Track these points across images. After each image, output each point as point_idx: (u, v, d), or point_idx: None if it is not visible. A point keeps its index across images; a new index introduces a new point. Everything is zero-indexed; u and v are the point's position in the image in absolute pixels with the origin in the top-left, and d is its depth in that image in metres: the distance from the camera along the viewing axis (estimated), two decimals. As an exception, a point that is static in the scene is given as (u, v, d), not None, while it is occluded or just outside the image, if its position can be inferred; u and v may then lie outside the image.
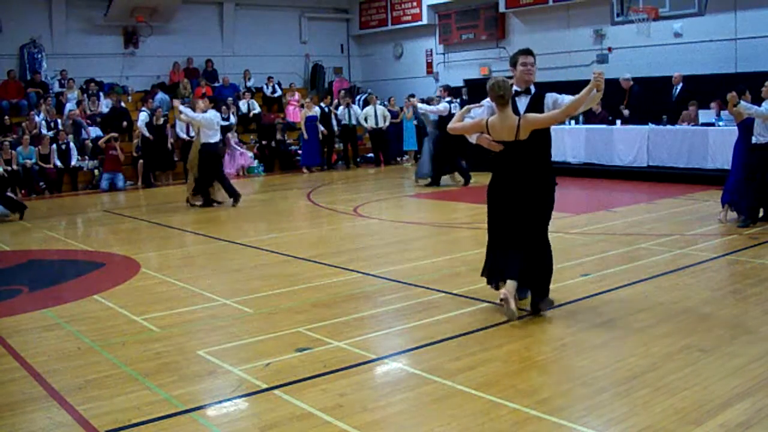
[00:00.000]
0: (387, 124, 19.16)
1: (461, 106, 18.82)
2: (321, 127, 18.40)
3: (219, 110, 15.11)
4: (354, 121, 19.22)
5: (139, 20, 19.13)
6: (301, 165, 18.60)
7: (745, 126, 9.01)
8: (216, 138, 12.28)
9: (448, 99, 14.74)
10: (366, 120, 19.10)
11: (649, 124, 14.10)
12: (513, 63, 5.80)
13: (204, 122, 12.12)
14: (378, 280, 6.92)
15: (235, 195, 12.53)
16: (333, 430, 3.78)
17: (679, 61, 14.96)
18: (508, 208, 5.69)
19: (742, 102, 8.70)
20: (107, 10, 18.87)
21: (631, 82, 14.75)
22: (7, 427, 3.98)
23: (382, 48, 22.96)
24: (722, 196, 9.38)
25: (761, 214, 9.04)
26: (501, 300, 5.45)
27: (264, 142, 18.91)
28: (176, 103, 13.30)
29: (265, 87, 20.89)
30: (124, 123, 17.54)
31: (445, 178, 14.58)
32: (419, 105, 15.11)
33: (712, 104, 13.25)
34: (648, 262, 7.25)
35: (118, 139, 16.46)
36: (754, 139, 8.77)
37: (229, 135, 18.00)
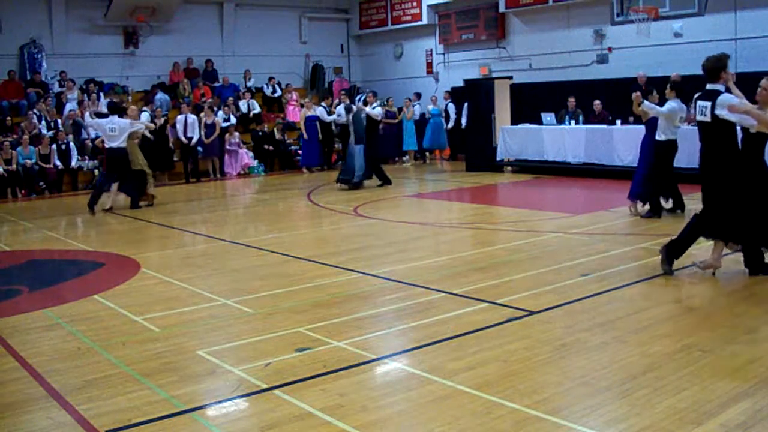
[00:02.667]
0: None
1: (457, 106, 18.91)
2: (331, 117, 18.64)
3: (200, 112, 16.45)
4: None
5: (139, 20, 19.12)
6: (301, 165, 18.61)
7: (651, 124, 9.71)
8: (117, 143, 12.20)
9: (378, 103, 15.36)
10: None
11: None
12: None
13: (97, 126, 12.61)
14: (378, 280, 6.92)
15: (135, 200, 12.64)
16: (333, 430, 3.78)
17: (679, 61, 14.95)
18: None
19: (645, 102, 9.32)
20: (107, 10, 18.85)
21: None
22: (7, 427, 3.98)
23: (382, 48, 22.95)
24: (629, 191, 10.06)
25: (670, 205, 9.85)
26: None
27: (267, 146, 18.90)
28: (87, 118, 13.71)
29: (265, 87, 20.90)
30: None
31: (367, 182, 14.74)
32: (366, 108, 14.93)
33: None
34: (648, 262, 7.25)
35: None
36: (656, 136, 9.48)
37: (228, 135, 18.03)
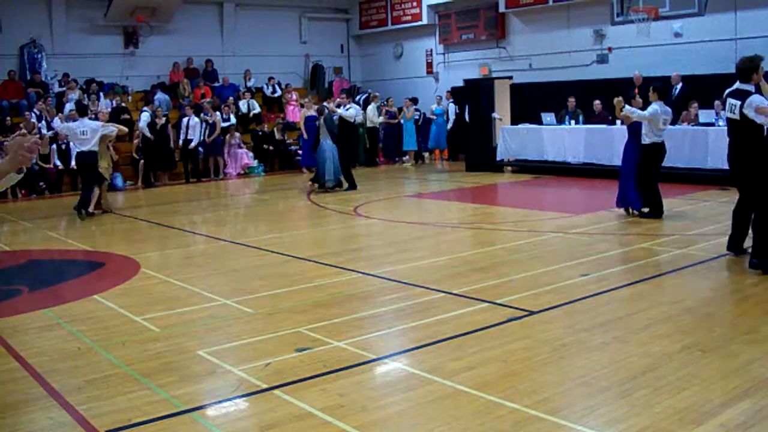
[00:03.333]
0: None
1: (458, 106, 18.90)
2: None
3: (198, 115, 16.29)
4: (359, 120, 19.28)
5: (139, 20, 19.13)
6: (301, 165, 18.60)
7: (633, 129, 9.77)
8: (89, 146, 11.81)
9: (350, 105, 15.20)
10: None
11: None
12: None
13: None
14: (378, 280, 6.92)
15: (86, 207, 11.96)
16: (333, 430, 3.78)
17: (679, 61, 14.95)
18: None
19: (626, 106, 9.46)
20: (107, 10, 18.85)
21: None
22: (7, 427, 3.98)
23: (382, 48, 22.95)
24: (618, 198, 10.06)
25: (646, 210, 9.72)
26: None
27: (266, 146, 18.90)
28: (56, 123, 13.45)
29: (265, 87, 20.90)
30: (125, 116, 17.57)
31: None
32: (339, 110, 14.77)
33: (717, 102, 13.22)
34: (648, 262, 7.25)
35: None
36: (642, 140, 9.50)
37: (229, 136, 18.02)
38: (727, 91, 6.98)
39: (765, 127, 6.61)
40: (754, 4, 14.19)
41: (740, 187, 7.01)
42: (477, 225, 10.18)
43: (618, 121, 14.48)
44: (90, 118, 12.41)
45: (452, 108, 19.50)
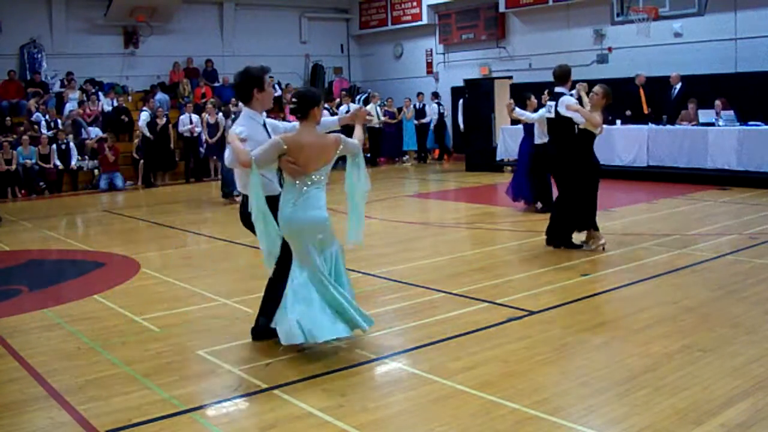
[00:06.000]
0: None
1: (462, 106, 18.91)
2: (333, 119, 18.50)
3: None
4: None
5: (139, 20, 19.13)
6: (301, 165, 18.56)
7: (528, 129, 10.73)
8: None
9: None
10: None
11: (649, 123, 14.13)
12: None
13: None
14: (378, 280, 6.92)
15: None
16: (333, 430, 3.78)
17: (678, 60, 14.95)
18: None
19: (517, 109, 10.24)
20: (107, 10, 18.85)
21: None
22: (7, 427, 3.98)
23: (382, 48, 22.95)
24: (509, 190, 11.00)
25: (540, 206, 10.46)
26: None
27: None
28: None
29: (265, 87, 20.86)
30: (124, 117, 17.58)
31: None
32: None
33: (717, 102, 13.21)
34: (648, 262, 7.25)
35: (108, 139, 16.38)
36: (535, 140, 10.35)
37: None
38: (548, 95, 8.44)
39: (577, 125, 7.55)
40: (754, 4, 14.19)
41: (558, 178, 8.11)
42: (477, 225, 10.18)
43: (618, 121, 14.60)
44: None
45: (434, 108, 19.57)
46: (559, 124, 7.84)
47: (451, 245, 8.81)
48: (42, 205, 14.28)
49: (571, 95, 7.79)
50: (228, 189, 12.91)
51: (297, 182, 4.79)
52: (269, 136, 4.96)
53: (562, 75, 7.99)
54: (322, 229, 4.90)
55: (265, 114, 5.15)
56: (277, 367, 4.67)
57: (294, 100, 4.84)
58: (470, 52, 20.06)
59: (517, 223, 9.94)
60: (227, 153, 4.90)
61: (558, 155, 7.93)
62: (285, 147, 4.67)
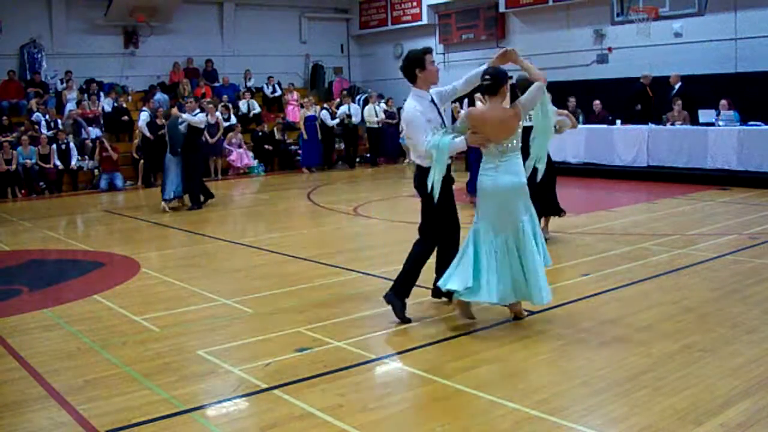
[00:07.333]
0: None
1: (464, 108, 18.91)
2: (334, 121, 18.81)
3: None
4: (356, 120, 19.30)
5: (139, 20, 19.12)
6: (301, 165, 18.60)
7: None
8: None
9: (198, 111, 12.63)
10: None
11: (649, 123, 14.14)
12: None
13: None
14: (378, 280, 6.91)
15: None
16: (333, 430, 3.78)
17: (679, 60, 14.96)
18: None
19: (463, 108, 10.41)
20: (107, 10, 18.85)
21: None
22: (7, 427, 3.98)
23: (382, 48, 22.95)
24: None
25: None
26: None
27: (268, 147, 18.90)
28: None
29: (265, 87, 20.89)
30: (125, 117, 17.55)
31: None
32: (184, 115, 12.06)
33: (723, 101, 13.19)
34: (648, 262, 7.25)
35: (104, 141, 16.36)
36: None
37: (232, 134, 18.02)
38: None
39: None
40: (754, 4, 14.19)
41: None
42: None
43: (618, 121, 14.62)
44: None
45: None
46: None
47: (451, 245, 8.79)
48: (42, 205, 14.28)
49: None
50: (168, 197, 12.16)
51: (491, 152, 5.28)
52: (438, 111, 5.60)
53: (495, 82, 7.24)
54: (520, 195, 5.24)
55: (432, 89, 5.69)
56: (277, 367, 4.67)
57: (488, 77, 5.58)
58: (470, 52, 20.04)
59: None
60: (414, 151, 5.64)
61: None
62: (468, 121, 5.44)
